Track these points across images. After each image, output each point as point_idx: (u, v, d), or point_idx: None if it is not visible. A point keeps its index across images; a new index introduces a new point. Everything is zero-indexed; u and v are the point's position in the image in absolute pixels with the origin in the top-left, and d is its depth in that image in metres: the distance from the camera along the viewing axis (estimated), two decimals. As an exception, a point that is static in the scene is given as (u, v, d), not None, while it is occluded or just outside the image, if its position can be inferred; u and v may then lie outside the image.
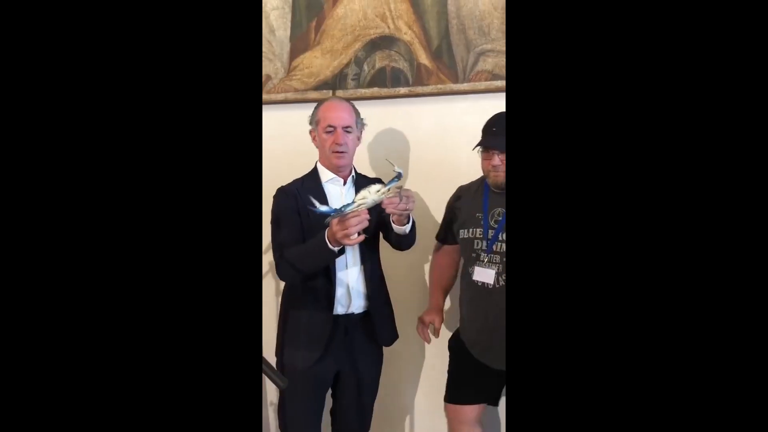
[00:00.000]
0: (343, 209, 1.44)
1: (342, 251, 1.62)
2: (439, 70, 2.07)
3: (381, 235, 1.79)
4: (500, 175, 1.65)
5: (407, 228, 1.64)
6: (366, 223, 1.47)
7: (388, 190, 1.46)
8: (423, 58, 2.08)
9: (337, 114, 1.72)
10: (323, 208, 1.43)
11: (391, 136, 2.14)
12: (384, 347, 1.87)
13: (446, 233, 1.91)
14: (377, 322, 1.78)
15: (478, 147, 1.68)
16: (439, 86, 2.07)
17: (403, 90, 2.10)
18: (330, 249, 1.54)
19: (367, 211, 1.46)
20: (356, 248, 1.73)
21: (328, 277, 1.71)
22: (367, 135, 2.04)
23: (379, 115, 2.08)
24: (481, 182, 1.79)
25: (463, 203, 1.82)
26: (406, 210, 1.53)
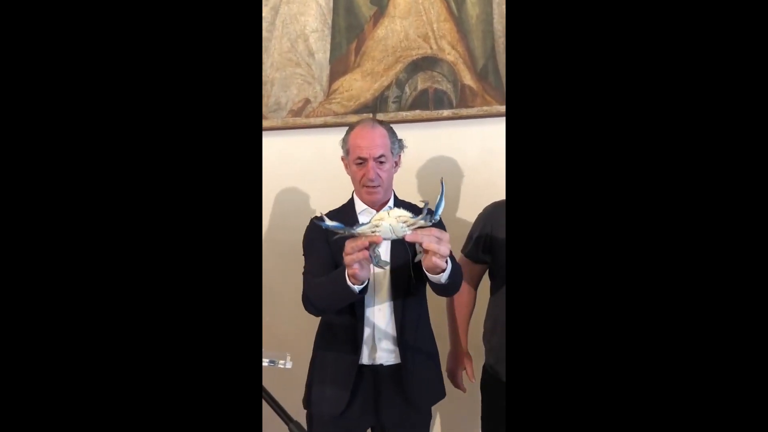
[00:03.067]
0: (354, 229, 1.19)
1: (364, 290, 1.34)
2: (485, 91, 1.98)
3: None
4: None
5: (442, 277, 1.30)
6: (365, 253, 1.18)
7: (414, 221, 1.17)
8: (467, 79, 1.99)
9: (368, 143, 1.49)
10: (331, 224, 1.18)
11: (435, 162, 2.05)
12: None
13: (478, 249, 1.70)
14: (408, 377, 1.50)
15: None
16: (485, 108, 1.98)
17: (446, 112, 2.01)
18: (348, 286, 1.27)
19: (379, 238, 1.17)
20: (385, 283, 1.50)
21: (353, 314, 1.49)
22: (416, 160, 1.94)
23: (422, 139, 1.99)
24: None
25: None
26: (437, 252, 1.19)
